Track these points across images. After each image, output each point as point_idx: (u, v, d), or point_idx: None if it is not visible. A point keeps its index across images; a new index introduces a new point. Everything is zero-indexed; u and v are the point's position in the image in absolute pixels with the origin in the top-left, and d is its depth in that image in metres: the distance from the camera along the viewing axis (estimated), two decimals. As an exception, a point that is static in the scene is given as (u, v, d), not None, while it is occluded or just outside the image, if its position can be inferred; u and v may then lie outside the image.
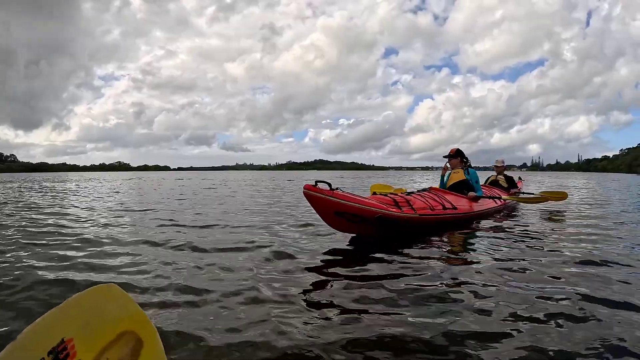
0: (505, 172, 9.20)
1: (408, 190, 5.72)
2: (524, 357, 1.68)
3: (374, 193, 5.56)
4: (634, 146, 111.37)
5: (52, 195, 11.98)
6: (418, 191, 5.51)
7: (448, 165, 6.38)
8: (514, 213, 6.88)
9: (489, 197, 6.34)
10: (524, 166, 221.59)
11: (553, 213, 6.82)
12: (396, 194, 4.91)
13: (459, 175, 6.21)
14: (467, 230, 4.97)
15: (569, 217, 6.39)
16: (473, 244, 4.20)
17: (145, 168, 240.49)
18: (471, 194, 5.93)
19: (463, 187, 6.08)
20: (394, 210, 4.24)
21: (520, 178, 10.60)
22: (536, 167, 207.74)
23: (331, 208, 3.84)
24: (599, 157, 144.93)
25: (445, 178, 6.37)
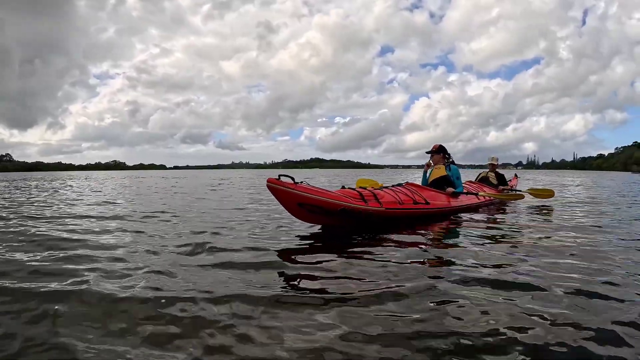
0: (498, 170, 9.15)
1: (385, 185, 5.84)
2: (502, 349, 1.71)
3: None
4: (629, 145, 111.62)
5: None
6: (393, 186, 5.55)
7: (431, 161, 6.48)
8: (497, 210, 6.95)
9: (470, 194, 6.53)
10: (519, 164, 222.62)
11: (539, 209, 6.79)
12: (365, 188, 5.02)
13: (440, 171, 6.30)
14: (442, 224, 5.13)
15: (553, 214, 6.37)
16: (445, 238, 4.37)
17: (141, 167, 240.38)
18: (449, 189, 6.01)
19: (444, 183, 6.18)
20: (358, 203, 4.43)
21: (516, 175, 10.91)
22: (532, 165, 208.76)
23: (294, 199, 4.12)
24: (595, 155, 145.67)
25: (427, 174, 6.48)
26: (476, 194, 6.62)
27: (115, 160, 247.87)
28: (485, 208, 6.96)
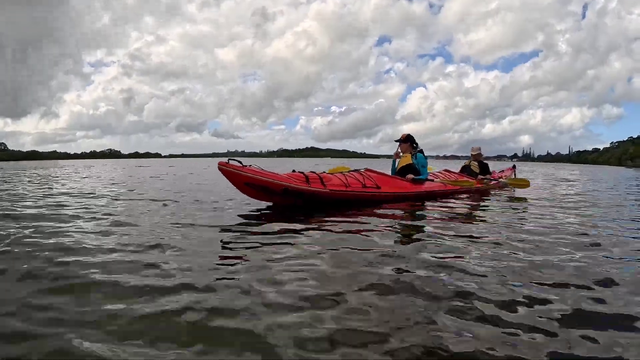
0: (482, 160, 9.23)
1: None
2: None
3: None
4: (624, 140, 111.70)
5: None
6: (350, 171, 6.06)
7: (399, 150, 6.71)
8: (465, 197, 7.05)
9: (435, 181, 6.92)
10: (514, 157, 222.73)
11: (509, 203, 6.61)
12: (314, 172, 5.41)
13: (406, 160, 6.58)
14: (395, 208, 5.37)
15: (524, 203, 6.41)
16: (385, 219, 4.59)
17: (136, 155, 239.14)
18: (409, 176, 6.33)
19: (410, 171, 6.47)
20: (302, 185, 4.95)
21: (514, 166, 11.13)
22: (527, 157, 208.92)
23: (241, 180, 4.81)
24: (590, 149, 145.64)
25: (396, 162, 6.79)
26: (443, 182, 7.06)
27: (110, 149, 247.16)
28: (454, 195, 7.00)
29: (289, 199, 5.06)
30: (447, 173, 8.02)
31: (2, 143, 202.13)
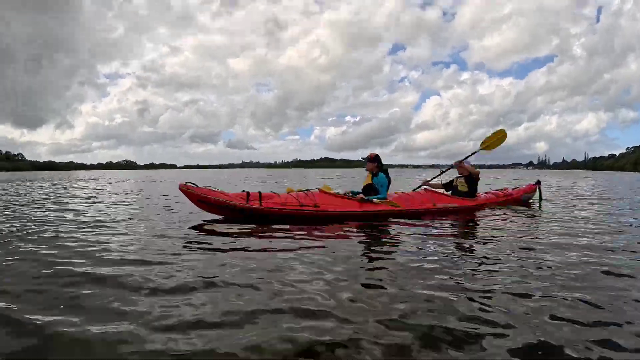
0: (474, 174, 7.66)
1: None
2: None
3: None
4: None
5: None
6: (306, 190, 6.51)
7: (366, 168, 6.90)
8: (420, 220, 6.23)
9: (383, 202, 6.48)
10: (530, 164, 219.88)
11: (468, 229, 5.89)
12: (261, 192, 6.14)
13: (367, 179, 6.83)
14: (332, 226, 5.55)
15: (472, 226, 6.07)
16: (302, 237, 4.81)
17: (152, 166, 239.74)
18: (358, 196, 6.50)
19: (370, 190, 6.67)
20: (240, 202, 5.86)
21: (538, 182, 9.60)
22: (543, 165, 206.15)
23: (195, 197, 5.98)
24: (606, 155, 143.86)
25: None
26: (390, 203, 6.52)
27: (126, 160, 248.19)
28: (406, 217, 6.32)
29: (235, 214, 6.02)
30: (427, 193, 7.38)
31: (20, 153, 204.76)
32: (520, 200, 8.82)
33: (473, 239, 4.91)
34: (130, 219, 6.41)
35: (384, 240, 4.83)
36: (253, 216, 5.91)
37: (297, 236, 4.82)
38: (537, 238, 4.80)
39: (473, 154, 8.01)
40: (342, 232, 5.18)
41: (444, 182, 8.12)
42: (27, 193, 13.12)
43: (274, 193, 6.37)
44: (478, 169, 7.77)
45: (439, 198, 7.21)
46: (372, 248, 4.35)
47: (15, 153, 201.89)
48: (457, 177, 7.85)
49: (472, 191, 7.63)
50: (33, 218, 6.43)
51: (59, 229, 5.27)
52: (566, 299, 2.52)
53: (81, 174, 57.67)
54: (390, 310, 2.36)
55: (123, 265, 3.40)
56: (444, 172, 8.33)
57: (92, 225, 5.67)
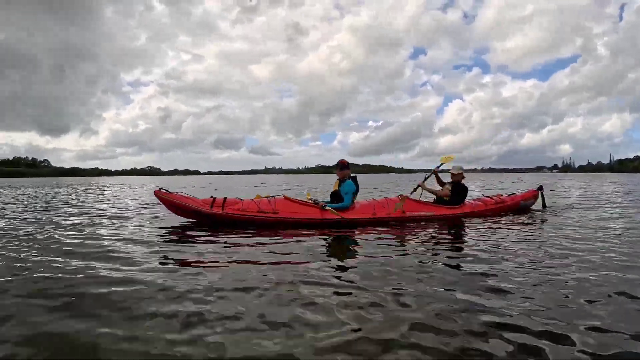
0: (461, 182, 7.56)
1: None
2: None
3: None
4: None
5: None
6: (269, 196, 6.81)
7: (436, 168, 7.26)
8: (384, 229, 6.12)
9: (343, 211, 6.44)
10: (554, 167, 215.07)
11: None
12: (227, 198, 6.53)
13: (335, 186, 6.92)
14: (288, 232, 5.78)
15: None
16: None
17: (175, 172, 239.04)
18: (320, 203, 6.44)
19: (336, 197, 6.74)
20: (204, 208, 6.28)
21: (540, 188, 8.97)
22: (567, 168, 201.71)
23: (167, 203, 6.49)
24: (632, 157, 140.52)
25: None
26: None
27: (150, 166, 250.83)
28: (366, 225, 6.34)
29: (201, 218, 6.47)
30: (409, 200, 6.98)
31: (45, 160, 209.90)
32: (517, 208, 8.21)
33: (411, 251, 4.53)
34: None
35: (318, 248, 4.78)
36: (217, 221, 6.28)
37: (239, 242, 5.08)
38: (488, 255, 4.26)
39: (438, 167, 7.76)
40: (288, 238, 5.30)
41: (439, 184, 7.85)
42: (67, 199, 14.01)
43: (239, 199, 6.57)
44: (446, 189, 7.48)
45: (413, 206, 6.91)
46: (297, 255, 4.35)
47: (41, 159, 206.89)
48: (448, 183, 7.60)
49: (455, 199, 7.36)
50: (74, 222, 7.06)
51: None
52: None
53: (109, 179, 59.06)
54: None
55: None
56: (427, 178, 7.89)
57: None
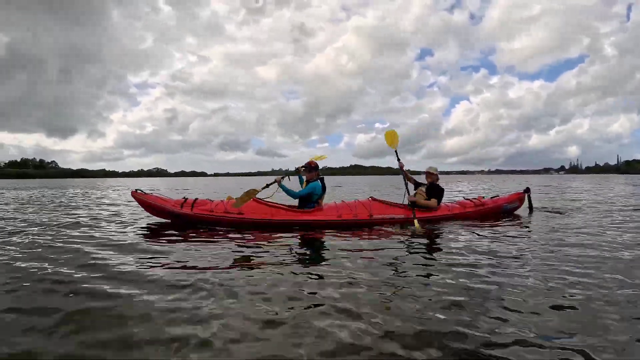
0: (436, 183, 7.15)
1: None
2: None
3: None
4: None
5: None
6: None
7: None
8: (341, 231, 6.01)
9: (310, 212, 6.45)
10: (562, 169, 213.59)
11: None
12: (198, 199, 6.70)
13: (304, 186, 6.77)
14: (254, 232, 5.89)
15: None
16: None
17: (182, 174, 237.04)
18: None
19: (301, 199, 6.64)
20: (175, 208, 6.46)
21: (528, 190, 8.32)
22: (575, 169, 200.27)
23: (142, 203, 6.79)
24: (639, 158, 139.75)
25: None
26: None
27: (157, 168, 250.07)
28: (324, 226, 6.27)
29: (172, 218, 6.65)
30: (369, 202, 6.78)
31: (53, 161, 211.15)
32: (500, 211, 7.68)
33: (367, 256, 4.36)
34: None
35: (269, 248, 4.87)
36: (187, 221, 6.43)
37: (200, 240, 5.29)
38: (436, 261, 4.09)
39: (397, 154, 7.13)
40: (247, 238, 5.45)
41: (417, 181, 7.33)
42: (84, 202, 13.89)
43: (209, 200, 6.75)
44: (420, 193, 6.98)
45: (381, 209, 6.64)
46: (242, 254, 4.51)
47: (49, 161, 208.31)
48: (422, 185, 7.16)
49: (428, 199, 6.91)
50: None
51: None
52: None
53: (112, 181, 59.09)
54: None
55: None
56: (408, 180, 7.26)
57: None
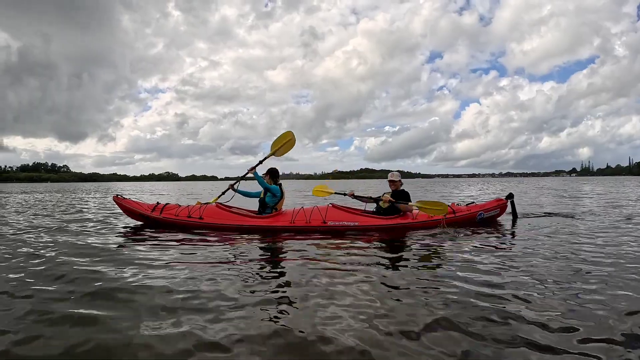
0: (400, 189, 6.83)
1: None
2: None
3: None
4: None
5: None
6: (208, 202, 6.99)
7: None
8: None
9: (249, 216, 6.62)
10: (573, 171, 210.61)
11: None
12: (170, 204, 7.05)
13: (262, 193, 6.85)
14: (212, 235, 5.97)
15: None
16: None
17: (193, 178, 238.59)
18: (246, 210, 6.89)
19: (261, 204, 6.79)
20: (146, 212, 6.79)
21: (511, 196, 7.65)
22: (586, 171, 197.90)
23: (122, 207, 7.16)
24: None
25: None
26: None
27: (168, 172, 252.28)
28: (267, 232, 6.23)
29: (144, 220, 6.96)
30: (326, 208, 6.55)
31: (65, 165, 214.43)
32: (475, 220, 7.03)
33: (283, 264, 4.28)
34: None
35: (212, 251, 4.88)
36: (156, 223, 6.73)
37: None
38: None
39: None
40: (197, 241, 5.56)
41: (373, 197, 7.07)
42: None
43: (178, 205, 7.01)
44: (385, 197, 6.67)
45: (337, 215, 6.40)
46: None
47: (61, 165, 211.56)
48: (384, 195, 6.77)
49: (393, 208, 6.59)
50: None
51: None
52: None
53: (122, 185, 59.36)
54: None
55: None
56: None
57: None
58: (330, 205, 6.65)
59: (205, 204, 6.84)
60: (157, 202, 7.05)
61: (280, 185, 6.79)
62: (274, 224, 6.35)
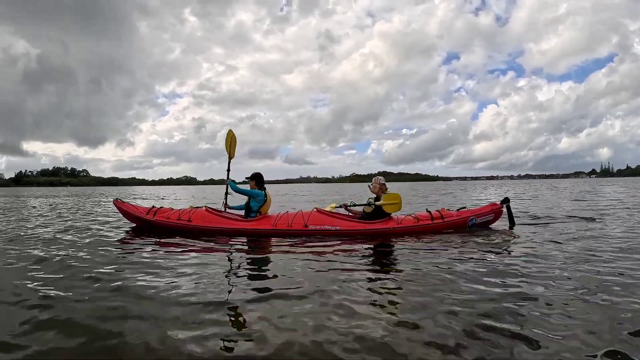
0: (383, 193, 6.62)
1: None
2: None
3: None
4: None
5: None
6: (200, 207, 7.19)
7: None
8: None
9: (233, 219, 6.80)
10: (593, 172, 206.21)
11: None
12: (163, 207, 7.36)
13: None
14: (203, 238, 6.22)
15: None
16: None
17: (211, 182, 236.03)
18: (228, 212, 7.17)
19: (248, 209, 6.94)
20: (141, 214, 7.08)
21: (507, 201, 7.22)
22: (606, 172, 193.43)
23: (120, 210, 7.58)
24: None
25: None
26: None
27: (186, 176, 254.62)
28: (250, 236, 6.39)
29: (140, 223, 7.25)
30: (308, 213, 6.60)
31: (84, 170, 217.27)
32: (465, 226, 6.69)
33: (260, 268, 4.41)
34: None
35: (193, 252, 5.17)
36: (149, 226, 7.02)
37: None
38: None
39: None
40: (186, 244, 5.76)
41: (357, 203, 6.95)
42: None
43: (170, 208, 7.23)
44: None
45: (319, 220, 6.41)
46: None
47: (80, 169, 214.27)
48: (368, 200, 6.74)
49: (377, 212, 6.48)
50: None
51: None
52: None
53: (140, 189, 59.58)
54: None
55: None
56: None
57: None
58: (315, 209, 6.74)
59: (195, 208, 7.07)
60: (153, 206, 7.41)
61: (264, 189, 6.93)
62: (256, 227, 6.49)
